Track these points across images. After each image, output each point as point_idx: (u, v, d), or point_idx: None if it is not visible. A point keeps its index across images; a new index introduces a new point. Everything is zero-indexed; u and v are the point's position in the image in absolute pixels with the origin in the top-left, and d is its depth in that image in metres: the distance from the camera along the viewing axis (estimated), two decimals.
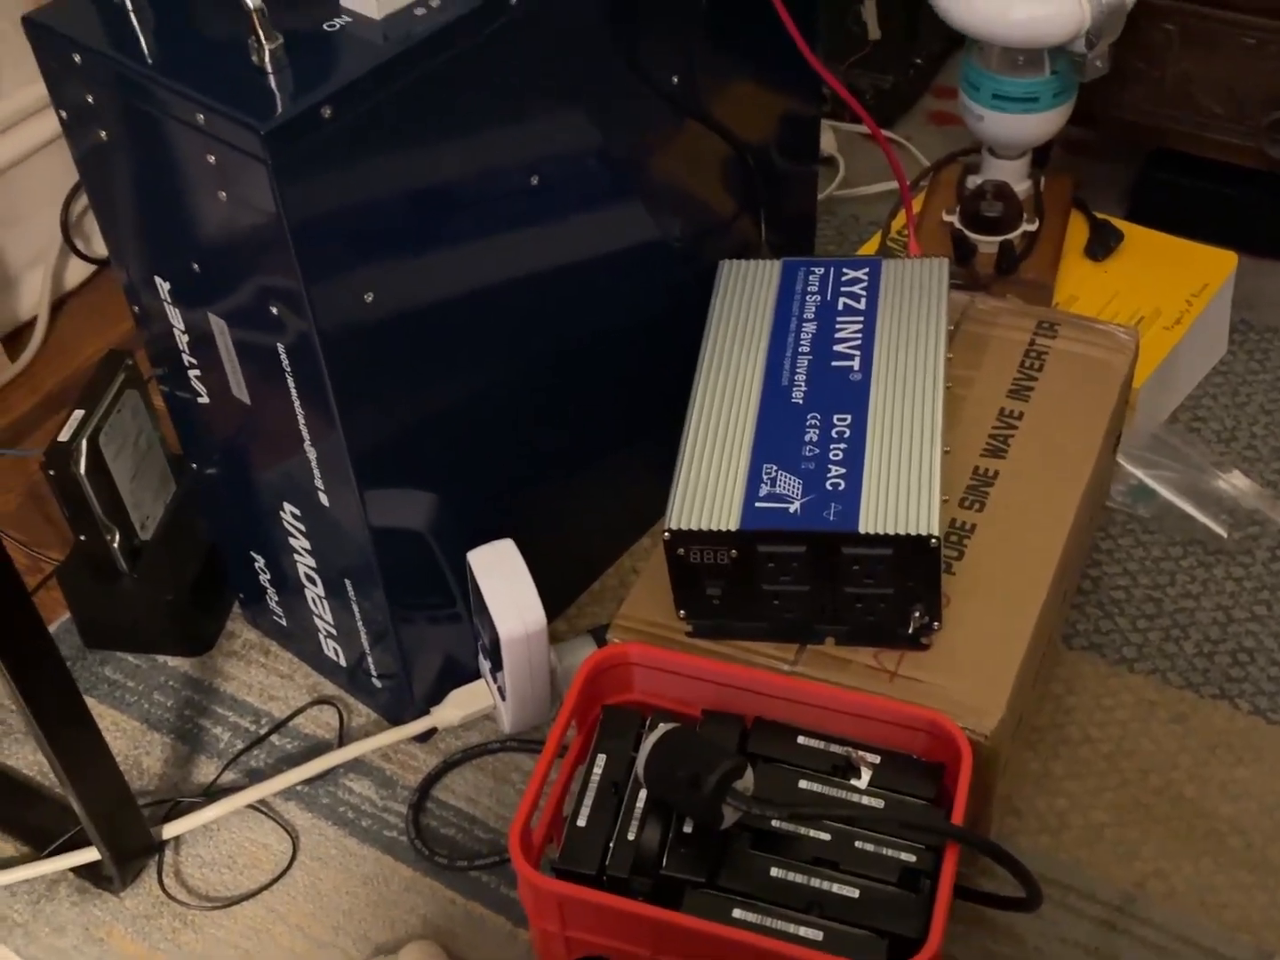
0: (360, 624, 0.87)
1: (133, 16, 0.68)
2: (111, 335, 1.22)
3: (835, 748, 0.71)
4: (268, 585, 0.93)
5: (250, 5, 0.62)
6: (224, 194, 0.66)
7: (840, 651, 0.76)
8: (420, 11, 0.67)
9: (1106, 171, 1.24)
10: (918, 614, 0.74)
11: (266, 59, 0.63)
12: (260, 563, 0.92)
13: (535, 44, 0.72)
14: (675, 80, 0.84)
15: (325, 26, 0.66)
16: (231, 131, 0.62)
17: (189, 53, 0.66)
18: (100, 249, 1.29)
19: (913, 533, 0.71)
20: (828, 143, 1.31)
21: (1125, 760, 0.87)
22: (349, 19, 0.67)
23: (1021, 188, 1.08)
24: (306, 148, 0.63)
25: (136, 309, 0.81)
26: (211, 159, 0.64)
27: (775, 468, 0.76)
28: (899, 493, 0.74)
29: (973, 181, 1.10)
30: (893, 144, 1.34)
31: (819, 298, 0.87)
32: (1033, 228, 1.07)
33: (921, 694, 0.73)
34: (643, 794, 0.70)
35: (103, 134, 0.70)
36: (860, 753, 0.71)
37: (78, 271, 1.28)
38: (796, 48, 0.86)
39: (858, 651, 0.76)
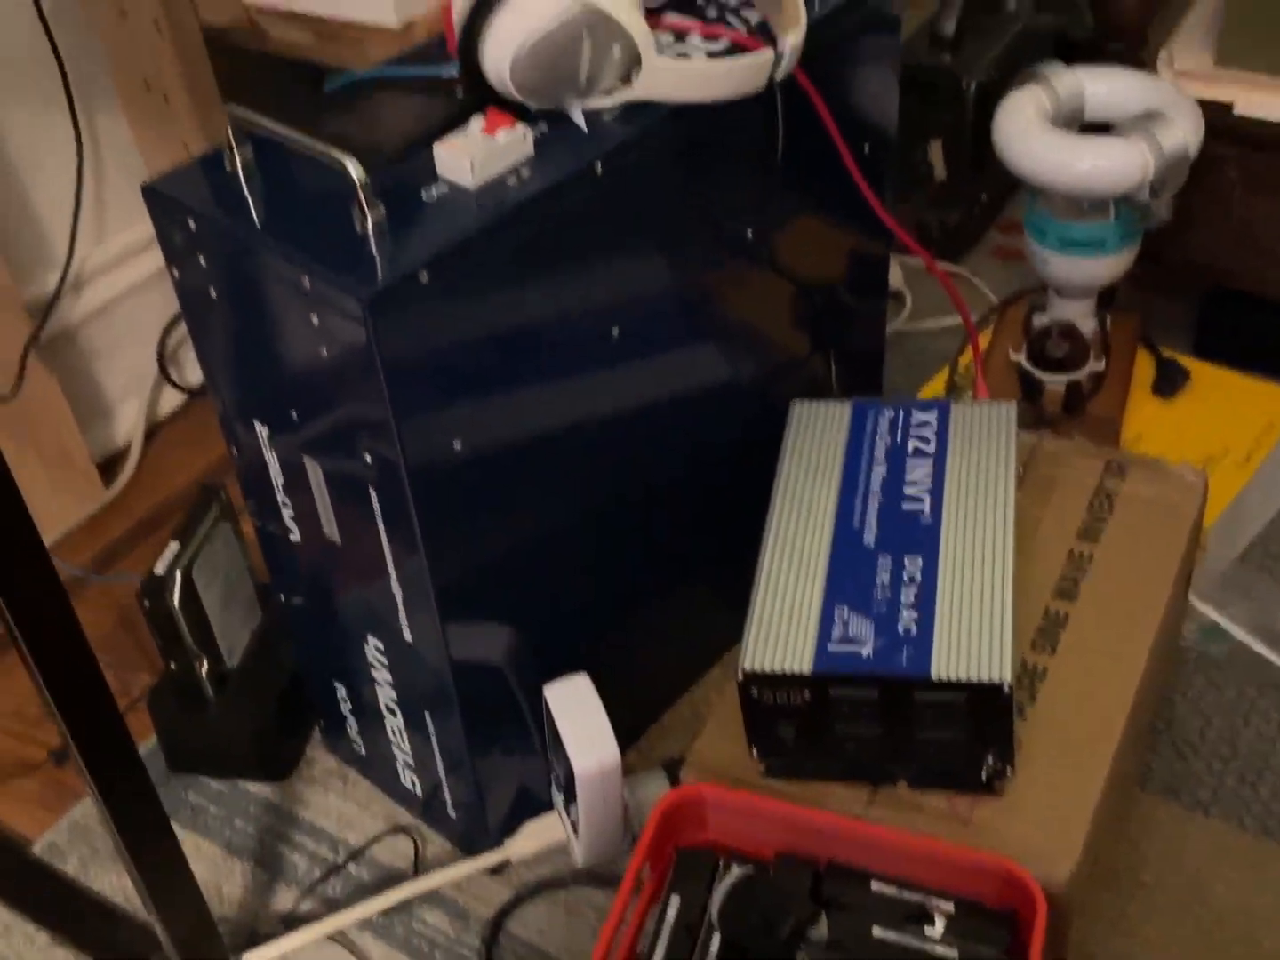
0: (438, 754, 0.89)
1: (243, 184, 0.72)
2: (202, 463, 1.27)
3: (909, 895, 0.72)
4: (348, 714, 0.96)
5: (355, 179, 0.66)
6: (325, 350, 0.69)
7: (913, 795, 0.77)
8: (513, 181, 0.71)
9: (1172, 307, 1.26)
10: (990, 760, 0.75)
11: (369, 228, 0.67)
12: (342, 692, 0.94)
13: (619, 207, 0.76)
14: (750, 234, 0.87)
15: (423, 195, 0.70)
16: (335, 296, 0.66)
17: (296, 220, 0.70)
18: (193, 379, 1.34)
19: (985, 680, 0.72)
20: (895, 277, 1.34)
21: (1200, 906, 0.86)
22: (446, 188, 0.71)
23: (1088, 327, 1.10)
24: (404, 311, 0.66)
25: (234, 450, 0.84)
26: (315, 319, 0.68)
27: (847, 609, 0.78)
28: (971, 638, 0.75)
29: (1039, 320, 1.12)
30: (959, 279, 1.37)
31: (889, 440, 0.89)
32: (1100, 367, 1.09)
33: (995, 841, 0.73)
34: (716, 938, 0.70)
35: (212, 292, 0.75)
36: (934, 900, 0.71)
37: (171, 400, 1.33)
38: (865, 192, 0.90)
39: (931, 795, 0.76)
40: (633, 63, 0.74)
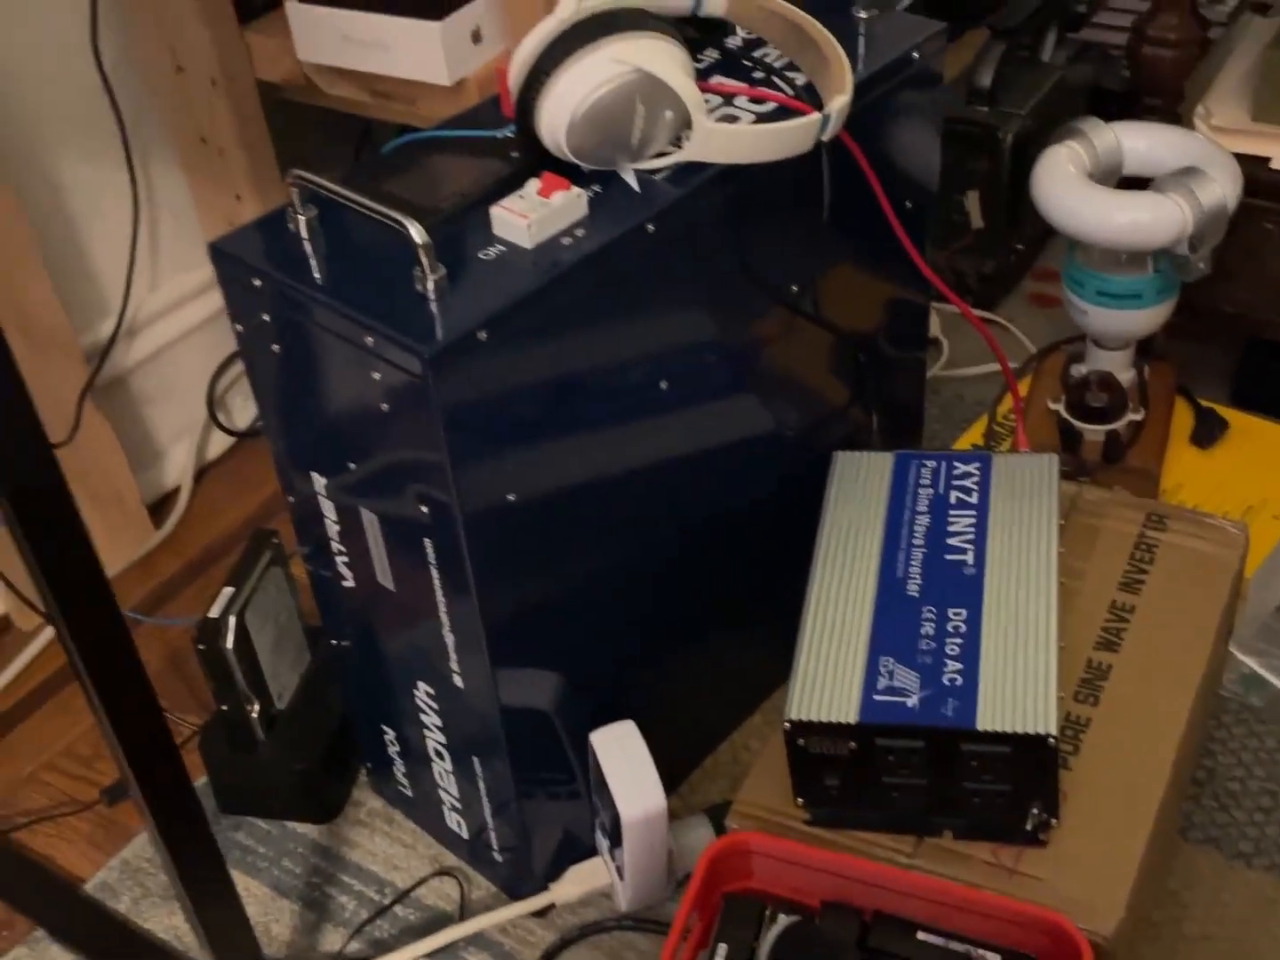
0: (484, 798, 0.90)
1: (306, 244, 0.75)
2: (249, 504, 1.29)
3: (955, 945, 0.72)
4: (396, 756, 0.97)
5: (418, 240, 0.68)
6: (385, 406, 0.71)
7: (958, 845, 0.77)
8: (567, 241, 0.73)
9: (1210, 356, 1.27)
10: (1035, 810, 0.75)
11: (430, 288, 0.69)
12: (390, 735, 0.96)
13: (669, 264, 0.78)
14: (795, 289, 0.89)
15: (481, 255, 0.73)
16: (397, 354, 0.68)
17: (358, 279, 0.72)
18: (240, 422, 1.37)
19: (1030, 731, 0.73)
20: (932, 325, 1.36)
21: None
22: (503, 248, 0.73)
23: (1126, 377, 1.11)
24: (463, 368, 0.68)
25: (290, 497, 0.86)
26: (376, 375, 0.70)
27: (892, 660, 0.79)
28: (1016, 689, 0.76)
29: (1077, 370, 1.13)
30: (995, 326, 1.39)
31: (931, 491, 0.90)
32: (1138, 417, 1.10)
33: (1041, 892, 0.74)
34: None
35: (275, 348, 0.77)
36: (980, 951, 0.72)
37: (219, 443, 1.36)
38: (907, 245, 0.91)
39: (976, 846, 0.77)
40: (684, 126, 0.76)
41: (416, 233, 0.69)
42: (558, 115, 0.74)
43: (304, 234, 0.75)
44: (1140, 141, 1.06)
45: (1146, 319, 1.07)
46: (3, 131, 1.09)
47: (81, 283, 1.21)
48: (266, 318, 0.76)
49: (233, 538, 1.26)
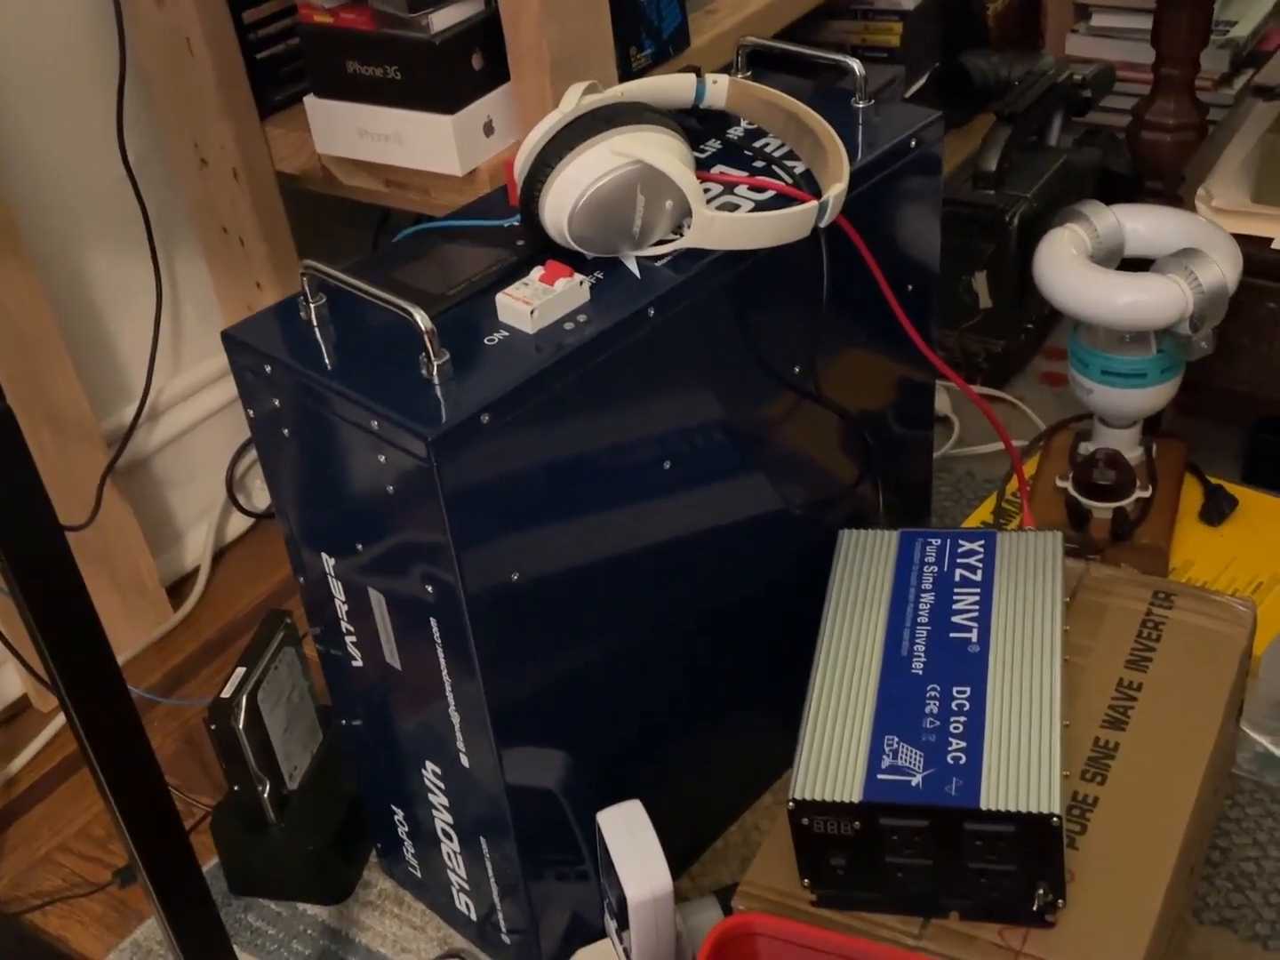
0: (492, 878, 0.90)
1: (316, 332, 0.77)
2: (266, 585, 1.31)
3: None
4: (405, 837, 0.97)
5: (422, 327, 0.70)
6: (391, 488, 0.73)
7: (965, 926, 0.77)
8: (569, 326, 0.75)
9: (1218, 433, 1.27)
10: (1042, 891, 0.75)
11: (435, 373, 0.71)
12: (399, 815, 0.96)
13: (670, 348, 0.79)
14: (796, 370, 0.90)
15: (485, 340, 0.74)
16: (402, 437, 0.70)
17: (366, 365, 0.74)
18: (259, 504, 1.39)
19: (1034, 810, 0.73)
20: (942, 403, 1.37)
21: None
22: (507, 334, 0.75)
23: (1133, 455, 1.12)
24: (466, 450, 0.70)
25: (301, 578, 0.88)
26: (382, 458, 0.72)
27: (896, 739, 0.79)
28: (1020, 768, 0.76)
29: (1085, 448, 1.14)
30: (1005, 405, 1.40)
31: (936, 569, 0.91)
32: (1146, 494, 1.10)
33: None
34: None
35: (285, 431, 0.79)
36: None
37: (237, 525, 1.38)
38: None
39: (982, 927, 0.76)
40: (684, 214, 0.78)
41: (421, 320, 0.70)
42: (561, 205, 0.76)
43: (314, 322, 0.77)
44: (1141, 224, 1.07)
45: (1151, 397, 1.07)
46: (29, 222, 1.13)
47: (104, 369, 1.23)
48: (277, 403, 0.78)
49: (250, 618, 1.28)
